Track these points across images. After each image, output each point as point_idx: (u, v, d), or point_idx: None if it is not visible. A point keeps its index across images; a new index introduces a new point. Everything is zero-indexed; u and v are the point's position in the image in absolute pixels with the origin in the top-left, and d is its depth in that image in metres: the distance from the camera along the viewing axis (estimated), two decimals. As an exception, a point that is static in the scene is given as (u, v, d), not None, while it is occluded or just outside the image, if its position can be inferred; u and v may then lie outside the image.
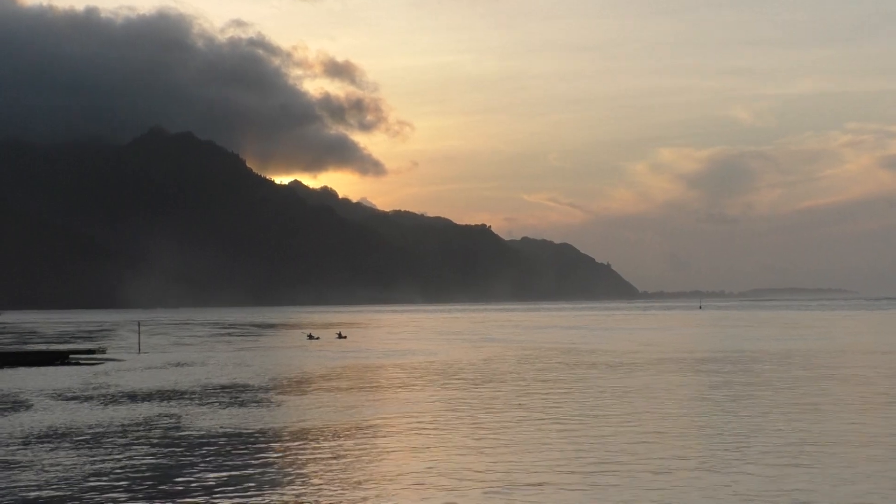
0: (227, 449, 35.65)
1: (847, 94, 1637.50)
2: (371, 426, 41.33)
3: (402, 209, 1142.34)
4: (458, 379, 64.49)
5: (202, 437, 38.97)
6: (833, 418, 42.14)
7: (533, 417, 43.50)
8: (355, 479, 29.18)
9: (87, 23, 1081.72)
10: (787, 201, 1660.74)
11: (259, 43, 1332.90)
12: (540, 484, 28.28)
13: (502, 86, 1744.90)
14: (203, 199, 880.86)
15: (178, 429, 41.42)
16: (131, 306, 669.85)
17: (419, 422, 42.50)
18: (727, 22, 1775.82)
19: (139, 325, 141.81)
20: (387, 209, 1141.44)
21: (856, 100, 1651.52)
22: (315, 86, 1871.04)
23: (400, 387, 59.61)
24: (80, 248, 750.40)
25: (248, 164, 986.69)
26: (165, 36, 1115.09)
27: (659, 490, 27.31)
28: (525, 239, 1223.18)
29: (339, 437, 38.30)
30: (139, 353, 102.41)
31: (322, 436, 38.65)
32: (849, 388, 55.18)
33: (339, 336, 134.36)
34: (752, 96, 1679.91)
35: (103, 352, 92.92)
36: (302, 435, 39.02)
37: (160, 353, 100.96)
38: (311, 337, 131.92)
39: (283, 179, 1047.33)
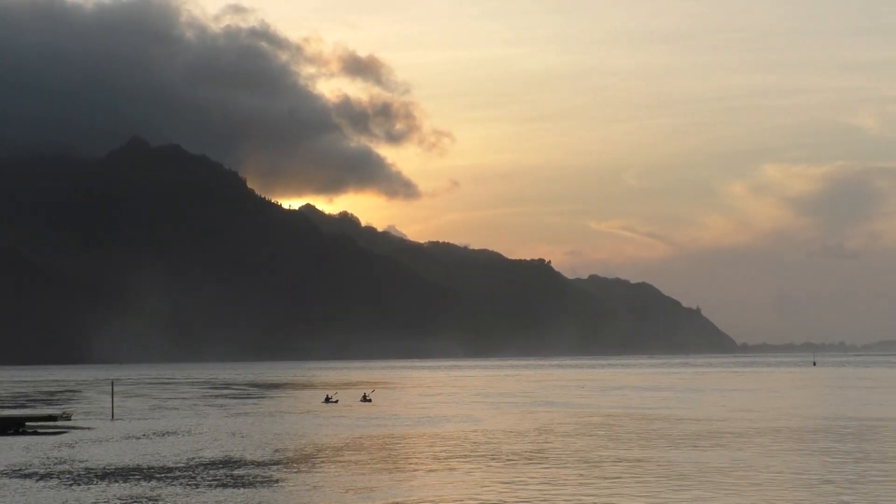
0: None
1: None
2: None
3: (440, 240, 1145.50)
4: (503, 454, 64.81)
5: (186, 524, 39.54)
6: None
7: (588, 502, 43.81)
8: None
9: (51, 9, 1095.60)
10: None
11: (262, 34, 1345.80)
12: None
13: (566, 86, 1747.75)
14: (194, 227, 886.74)
15: (157, 514, 41.98)
16: (104, 361, 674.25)
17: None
18: (851, 6, 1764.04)
19: (113, 384, 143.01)
20: (421, 240, 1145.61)
21: None
22: (331, 87, 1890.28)
23: (430, 463, 60.03)
24: (42, 287, 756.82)
25: (250, 185, 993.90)
26: (147, 26, 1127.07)
27: None
28: (593, 277, 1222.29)
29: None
30: (112, 419, 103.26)
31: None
32: None
33: (365, 399, 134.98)
34: (881, 99, 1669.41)
35: (68, 418, 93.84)
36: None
37: (138, 420, 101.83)
38: (328, 400, 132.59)
39: (292, 203, 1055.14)
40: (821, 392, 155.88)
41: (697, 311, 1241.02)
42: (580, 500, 44.95)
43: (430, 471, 56.29)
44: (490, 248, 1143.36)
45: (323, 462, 61.20)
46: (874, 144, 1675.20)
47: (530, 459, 61.41)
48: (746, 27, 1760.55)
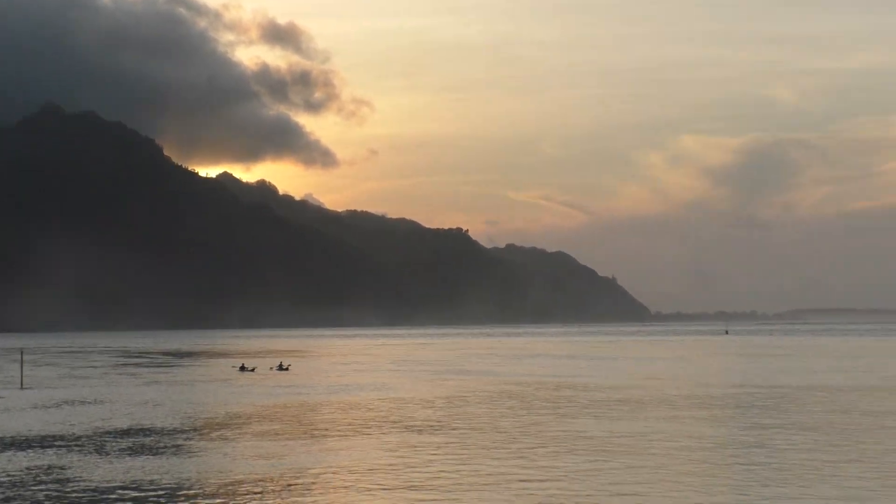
0: (123, 508, 36.23)
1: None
2: (300, 478, 42.03)
3: (358, 209, 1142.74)
4: (415, 421, 65.25)
5: (95, 492, 39.54)
6: (873, 474, 43.08)
7: (495, 471, 44.35)
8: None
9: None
10: (837, 202, 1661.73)
11: (181, 0, 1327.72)
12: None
13: (487, 56, 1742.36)
14: (109, 195, 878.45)
15: (66, 483, 41.95)
16: (13, 329, 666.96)
17: (356, 473, 43.27)
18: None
19: (22, 353, 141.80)
20: (339, 209, 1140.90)
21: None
22: (250, 54, 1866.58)
23: (341, 431, 60.32)
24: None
25: (167, 152, 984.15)
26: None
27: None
28: (511, 246, 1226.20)
29: (261, 491, 38.97)
30: (21, 388, 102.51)
31: (241, 490, 39.32)
32: (888, 435, 56.27)
33: (281, 367, 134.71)
34: (796, 71, 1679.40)
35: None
36: (218, 489, 39.66)
37: (48, 389, 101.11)
38: (243, 369, 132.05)
39: (209, 171, 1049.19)
40: (732, 360, 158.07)
41: (613, 280, 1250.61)
42: (486, 466, 45.44)
43: (337, 438, 56.58)
44: (408, 217, 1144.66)
45: (235, 430, 61.23)
46: (789, 117, 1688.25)
47: (441, 427, 61.85)
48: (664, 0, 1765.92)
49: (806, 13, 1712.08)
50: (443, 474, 43.20)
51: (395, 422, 65.16)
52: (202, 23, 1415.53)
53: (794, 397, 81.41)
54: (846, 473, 42.60)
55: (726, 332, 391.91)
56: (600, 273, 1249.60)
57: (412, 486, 40.12)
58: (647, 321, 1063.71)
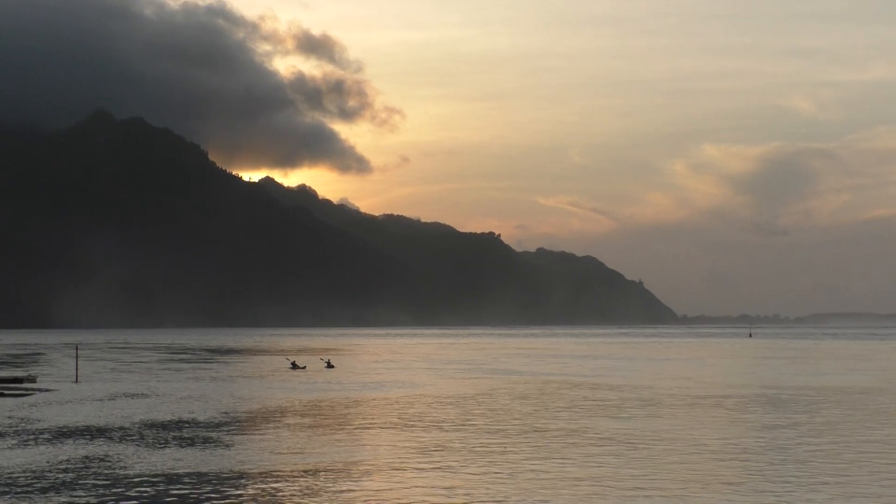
0: (167, 497, 37.75)
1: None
2: (331, 471, 43.38)
3: (393, 213, 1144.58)
4: (441, 418, 66.25)
5: (140, 481, 41.10)
6: (886, 469, 44.14)
7: (515, 468, 45.46)
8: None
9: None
10: (855, 209, 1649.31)
11: (219, 12, 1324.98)
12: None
13: (516, 67, 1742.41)
14: (157, 198, 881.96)
15: (113, 471, 43.49)
16: (68, 325, 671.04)
17: (386, 466, 44.57)
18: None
19: (77, 348, 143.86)
20: (375, 212, 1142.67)
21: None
22: (286, 64, 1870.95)
23: (371, 426, 61.50)
24: (6, 255, 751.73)
25: (211, 157, 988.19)
26: (107, 1, 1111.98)
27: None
28: (540, 250, 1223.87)
29: (291, 483, 40.43)
30: (76, 382, 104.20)
31: (272, 483, 40.75)
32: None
33: (328, 365, 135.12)
34: (815, 83, 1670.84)
35: (33, 380, 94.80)
36: (253, 480, 41.14)
37: (101, 383, 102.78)
38: (294, 366, 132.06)
39: (252, 176, 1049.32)
40: (756, 362, 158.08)
41: (640, 284, 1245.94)
42: (497, 460, 46.60)
43: (366, 432, 57.72)
44: (441, 221, 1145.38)
45: (270, 425, 62.35)
46: (808, 127, 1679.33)
47: (462, 423, 62.85)
48: (684, 12, 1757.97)
49: (822, 27, 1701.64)
50: (461, 464, 44.48)
51: (422, 418, 66.19)
52: (240, 33, 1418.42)
53: (809, 398, 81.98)
54: (847, 469, 43.63)
55: (750, 335, 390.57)
56: (628, 277, 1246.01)
57: (439, 475, 41.43)
58: (673, 323, 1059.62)
